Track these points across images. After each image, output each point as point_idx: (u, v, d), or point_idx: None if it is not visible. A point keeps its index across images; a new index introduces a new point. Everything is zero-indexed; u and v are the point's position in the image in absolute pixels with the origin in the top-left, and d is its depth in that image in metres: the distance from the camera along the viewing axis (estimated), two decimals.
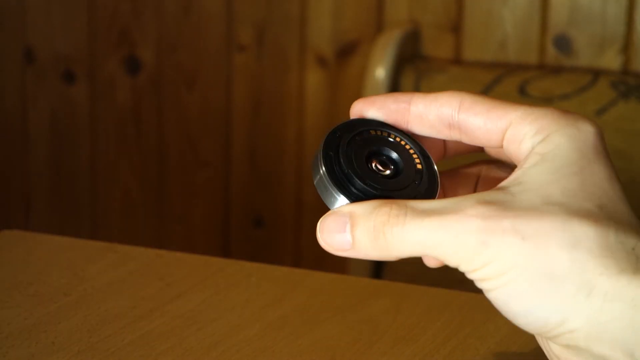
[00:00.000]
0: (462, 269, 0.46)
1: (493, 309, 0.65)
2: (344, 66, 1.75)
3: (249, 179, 1.85)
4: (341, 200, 0.48)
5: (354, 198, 0.48)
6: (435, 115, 0.49)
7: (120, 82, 1.90)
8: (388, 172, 0.49)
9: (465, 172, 0.53)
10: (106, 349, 0.64)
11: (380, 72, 1.59)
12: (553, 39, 1.61)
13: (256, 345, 0.65)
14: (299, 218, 1.83)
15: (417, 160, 0.49)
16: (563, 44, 1.61)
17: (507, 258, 0.44)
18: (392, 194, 0.48)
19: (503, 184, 0.46)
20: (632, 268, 0.44)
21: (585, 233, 0.44)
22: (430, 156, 0.50)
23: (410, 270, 1.56)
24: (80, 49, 1.92)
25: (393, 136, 0.50)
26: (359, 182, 0.48)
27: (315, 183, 0.49)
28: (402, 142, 0.50)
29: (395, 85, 1.60)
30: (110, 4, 1.88)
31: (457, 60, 1.66)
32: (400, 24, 1.69)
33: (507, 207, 0.45)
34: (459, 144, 0.51)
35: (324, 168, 0.48)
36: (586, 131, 0.46)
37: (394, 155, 0.49)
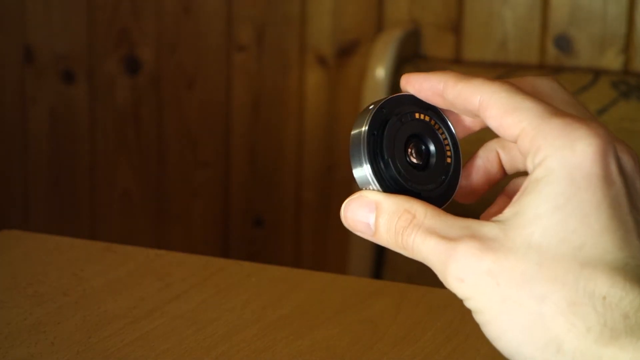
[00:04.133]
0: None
1: None
2: (344, 66, 1.75)
3: (249, 179, 1.85)
4: (373, 185, 0.49)
5: (385, 187, 0.49)
6: (462, 107, 0.50)
7: (120, 81, 1.90)
8: (421, 162, 0.50)
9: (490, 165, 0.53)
10: (106, 350, 0.64)
11: (380, 72, 1.59)
12: (553, 38, 1.61)
13: (256, 345, 0.65)
14: (299, 218, 1.82)
15: (449, 153, 0.51)
16: (563, 43, 1.60)
17: (482, 299, 0.46)
18: (419, 191, 0.50)
19: (502, 216, 0.47)
20: (599, 325, 0.44)
21: (553, 287, 0.44)
22: (459, 149, 0.51)
23: (410, 270, 1.56)
24: (79, 48, 1.92)
25: (433, 122, 0.51)
26: (394, 171, 0.49)
27: (351, 157, 0.50)
28: (440, 130, 0.51)
29: (395, 85, 1.60)
30: (109, 4, 1.88)
31: (457, 60, 1.66)
32: (400, 23, 1.69)
33: (492, 246, 0.46)
34: None
35: (365, 148, 0.49)
36: (582, 152, 0.45)
37: (430, 145, 0.51)
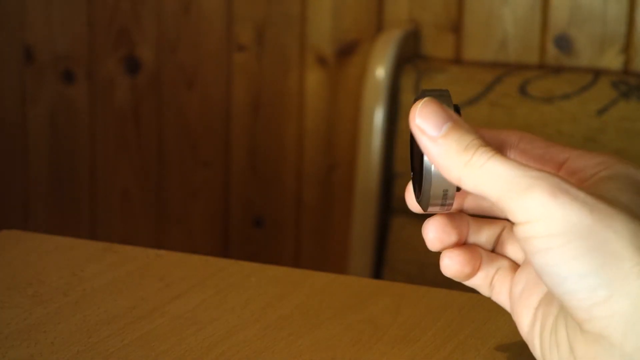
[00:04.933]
0: (520, 217, 0.48)
1: (493, 309, 0.65)
2: (344, 66, 1.75)
3: (249, 179, 1.85)
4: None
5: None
6: (498, 143, 0.53)
7: (120, 81, 1.90)
8: None
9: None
10: (105, 350, 0.64)
11: (380, 72, 1.59)
12: (554, 38, 1.61)
13: (256, 345, 0.65)
14: (299, 218, 1.82)
15: None
16: (564, 43, 1.60)
17: (570, 220, 0.46)
18: None
19: None
20: None
21: None
22: None
23: (410, 270, 1.56)
24: (79, 48, 1.92)
25: None
26: None
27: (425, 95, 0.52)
28: None
29: (395, 85, 1.60)
30: (109, 4, 1.88)
31: (457, 60, 1.66)
32: (400, 24, 1.69)
33: (583, 188, 0.48)
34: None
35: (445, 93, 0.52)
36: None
37: None
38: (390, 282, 0.76)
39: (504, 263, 0.56)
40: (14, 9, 1.95)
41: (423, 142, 0.50)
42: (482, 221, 0.56)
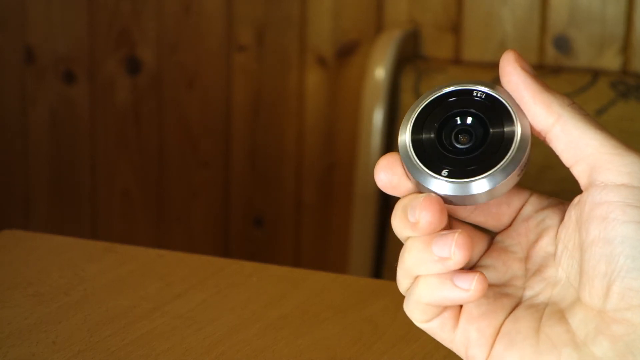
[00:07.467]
0: (614, 176, 0.45)
1: None
2: (344, 66, 1.75)
3: (249, 179, 1.86)
4: None
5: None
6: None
7: (120, 82, 1.91)
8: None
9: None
10: (106, 349, 0.64)
11: (380, 72, 1.59)
12: (553, 39, 1.61)
13: (256, 345, 0.65)
14: (299, 218, 1.83)
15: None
16: (563, 44, 1.61)
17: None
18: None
19: None
20: None
21: None
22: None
23: None
24: (80, 48, 1.92)
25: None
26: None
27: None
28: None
29: (395, 86, 1.60)
30: (110, 4, 1.88)
31: (457, 60, 1.67)
32: (400, 24, 1.69)
33: None
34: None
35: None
36: None
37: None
38: (390, 282, 0.76)
39: None
40: (14, 9, 1.96)
41: (522, 77, 0.48)
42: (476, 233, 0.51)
